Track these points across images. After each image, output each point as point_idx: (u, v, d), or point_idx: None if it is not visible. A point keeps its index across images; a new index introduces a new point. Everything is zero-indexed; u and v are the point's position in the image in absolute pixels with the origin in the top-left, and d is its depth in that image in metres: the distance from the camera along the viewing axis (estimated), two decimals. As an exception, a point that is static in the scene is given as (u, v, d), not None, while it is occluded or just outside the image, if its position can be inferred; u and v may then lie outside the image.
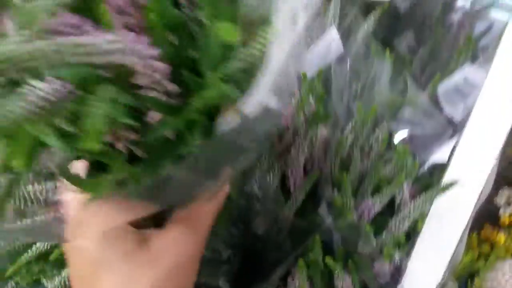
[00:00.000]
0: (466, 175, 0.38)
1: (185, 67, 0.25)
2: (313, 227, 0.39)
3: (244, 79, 0.24)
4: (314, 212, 0.40)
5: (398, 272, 0.40)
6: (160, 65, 0.22)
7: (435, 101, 0.47)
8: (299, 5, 0.26)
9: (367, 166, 0.40)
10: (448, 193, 0.38)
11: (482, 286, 0.45)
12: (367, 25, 0.49)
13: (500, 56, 0.42)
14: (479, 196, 0.38)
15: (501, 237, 0.47)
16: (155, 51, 0.21)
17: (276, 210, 0.42)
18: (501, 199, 0.49)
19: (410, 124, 0.44)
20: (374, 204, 0.38)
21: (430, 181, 0.41)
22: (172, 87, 0.23)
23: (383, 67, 0.45)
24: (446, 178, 0.38)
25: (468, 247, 0.44)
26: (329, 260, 0.37)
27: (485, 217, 0.50)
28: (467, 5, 0.60)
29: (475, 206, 0.39)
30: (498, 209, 0.49)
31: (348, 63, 0.48)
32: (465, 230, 0.39)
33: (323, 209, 0.39)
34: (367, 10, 0.51)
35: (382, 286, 0.39)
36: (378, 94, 0.43)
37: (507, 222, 0.48)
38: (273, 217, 0.43)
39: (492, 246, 0.47)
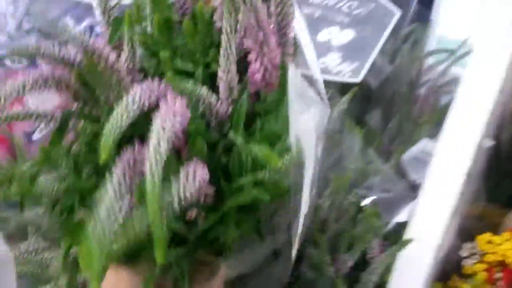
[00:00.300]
0: (424, 231, 0.46)
1: (220, 173, 0.31)
2: (297, 282, 0.45)
3: (273, 185, 0.30)
4: (298, 268, 0.46)
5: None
6: (203, 174, 0.28)
7: (401, 168, 0.55)
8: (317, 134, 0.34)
9: (341, 227, 0.47)
10: (411, 248, 0.45)
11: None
12: (342, 104, 0.58)
13: (448, 127, 0.50)
14: (438, 250, 0.45)
15: (465, 286, 0.53)
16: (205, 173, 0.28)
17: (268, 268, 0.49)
18: (464, 252, 0.55)
19: (378, 189, 0.52)
20: (348, 260, 0.45)
21: (396, 238, 0.48)
22: (210, 190, 0.30)
23: (355, 141, 0.53)
24: (407, 235, 0.46)
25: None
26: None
27: (453, 268, 0.57)
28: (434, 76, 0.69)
29: (435, 259, 0.46)
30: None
31: (326, 138, 0.56)
32: (427, 280, 0.45)
33: (305, 265, 0.46)
34: (342, 90, 0.61)
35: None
36: (350, 164, 0.51)
37: (469, 271, 0.54)
38: (266, 275, 0.50)
39: (459, 295, 0.53)
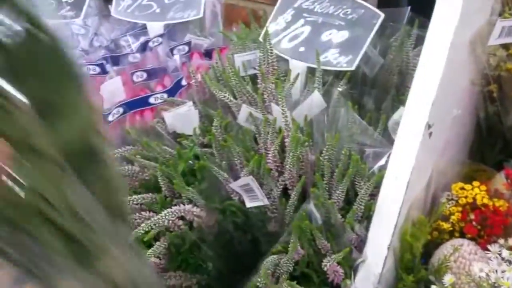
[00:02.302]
0: (396, 172, 0.59)
1: None
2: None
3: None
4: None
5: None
6: None
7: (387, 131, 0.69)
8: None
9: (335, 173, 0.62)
10: (388, 186, 0.59)
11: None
12: (340, 86, 0.74)
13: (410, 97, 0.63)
14: (407, 187, 0.59)
15: (445, 225, 0.65)
16: None
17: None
18: (443, 199, 0.68)
19: (368, 145, 0.66)
20: (341, 193, 0.60)
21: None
22: None
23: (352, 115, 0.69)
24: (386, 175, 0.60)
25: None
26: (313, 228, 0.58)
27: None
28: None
29: (405, 195, 0.59)
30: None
31: (327, 112, 0.72)
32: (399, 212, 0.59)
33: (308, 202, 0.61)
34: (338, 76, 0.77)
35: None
36: (342, 129, 0.67)
37: (447, 213, 0.66)
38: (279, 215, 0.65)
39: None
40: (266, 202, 0.66)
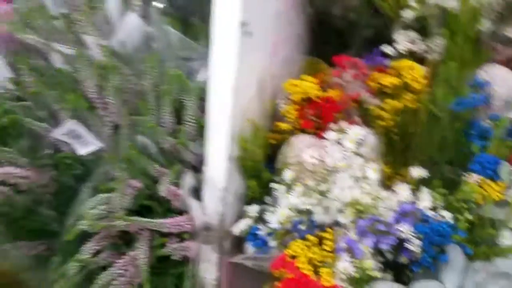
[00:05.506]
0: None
1: None
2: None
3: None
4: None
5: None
6: None
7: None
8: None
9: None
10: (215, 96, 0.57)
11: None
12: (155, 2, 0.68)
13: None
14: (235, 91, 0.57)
15: (283, 125, 0.65)
16: None
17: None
18: (279, 100, 0.68)
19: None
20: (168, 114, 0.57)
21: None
22: None
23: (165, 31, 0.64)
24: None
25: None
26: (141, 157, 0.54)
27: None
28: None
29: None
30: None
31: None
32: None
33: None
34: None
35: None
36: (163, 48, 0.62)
37: (284, 113, 0.67)
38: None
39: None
40: (98, 144, 0.61)
